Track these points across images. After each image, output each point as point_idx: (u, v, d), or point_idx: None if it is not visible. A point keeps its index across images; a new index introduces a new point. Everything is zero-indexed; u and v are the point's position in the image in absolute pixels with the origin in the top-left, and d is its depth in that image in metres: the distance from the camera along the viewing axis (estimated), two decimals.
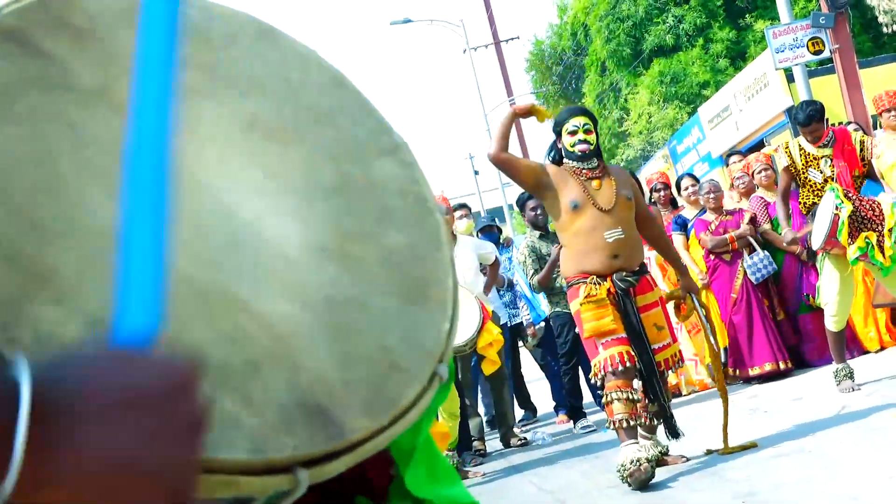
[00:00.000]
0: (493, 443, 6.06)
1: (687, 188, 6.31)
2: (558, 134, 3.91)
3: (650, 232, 4.05)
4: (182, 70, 0.81)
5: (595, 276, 3.71)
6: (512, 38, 22.10)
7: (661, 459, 3.86)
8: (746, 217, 5.91)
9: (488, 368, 5.01)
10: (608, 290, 3.69)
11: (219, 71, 0.87)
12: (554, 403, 6.37)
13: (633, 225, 3.82)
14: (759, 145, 11.67)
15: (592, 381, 4.07)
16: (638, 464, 3.52)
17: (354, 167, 0.90)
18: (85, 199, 0.71)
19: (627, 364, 3.64)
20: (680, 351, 3.94)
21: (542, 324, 6.17)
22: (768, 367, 5.70)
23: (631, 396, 3.62)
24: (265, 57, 0.91)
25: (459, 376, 5.01)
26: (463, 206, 6.26)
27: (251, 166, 0.83)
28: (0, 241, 0.65)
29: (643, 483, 3.53)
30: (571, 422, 5.77)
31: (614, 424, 3.67)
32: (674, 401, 5.84)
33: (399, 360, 0.80)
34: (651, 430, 3.87)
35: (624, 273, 3.73)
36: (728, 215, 5.95)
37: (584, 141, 3.81)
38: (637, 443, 3.63)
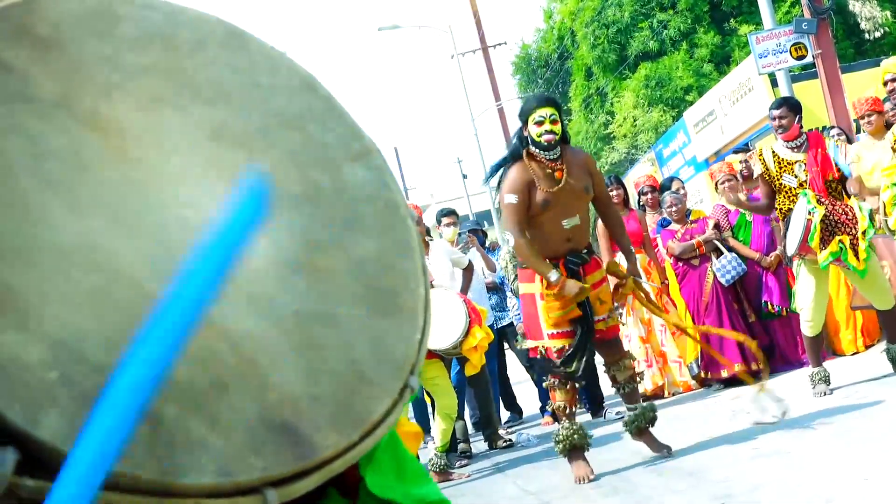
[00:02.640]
0: (479, 444, 6.10)
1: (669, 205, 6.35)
2: (524, 122, 4.02)
3: (607, 214, 4.25)
4: (147, 78, 0.81)
5: (549, 261, 3.94)
6: (499, 44, 22.17)
7: (642, 430, 4.13)
8: (711, 223, 6.07)
9: (470, 371, 5.05)
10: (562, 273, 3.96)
11: (185, 78, 0.84)
12: (540, 405, 6.42)
13: (587, 210, 4.11)
14: (743, 149, 11.78)
15: (526, 354, 4.59)
16: (568, 443, 4.05)
17: (323, 174, 0.88)
18: (46, 214, 0.68)
19: (558, 360, 4.03)
20: (615, 324, 4.16)
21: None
22: (738, 367, 5.78)
23: (567, 386, 4.07)
24: (233, 62, 0.88)
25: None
26: (451, 212, 6.28)
27: (217, 176, 0.80)
28: None
29: (563, 453, 4.10)
30: (556, 424, 5.82)
31: (557, 409, 4.16)
32: (658, 401, 5.95)
33: (368, 374, 0.78)
34: (633, 399, 4.15)
35: (573, 256, 3.99)
36: (693, 223, 6.10)
37: (551, 132, 3.93)
38: (571, 423, 4.12)
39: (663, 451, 4.07)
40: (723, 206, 6.11)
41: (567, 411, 4.11)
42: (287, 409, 0.72)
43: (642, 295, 4.29)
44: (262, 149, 0.85)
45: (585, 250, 4.06)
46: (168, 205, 0.76)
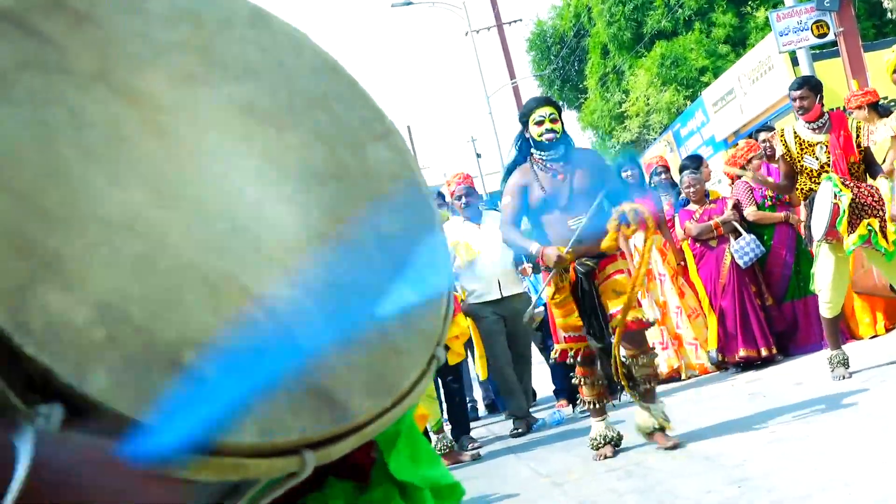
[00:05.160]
0: (493, 427, 6.11)
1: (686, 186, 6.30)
2: (525, 124, 4.07)
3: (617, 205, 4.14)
4: (178, 54, 0.83)
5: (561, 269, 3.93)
6: (514, 21, 21.97)
7: (653, 434, 3.97)
8: (730, 203, 5.98)
9: (452, 360, 5.04)
10: (571, 277, 3.95)
11: (214, 56, 0.87)
12: (554, 388, 6.41)
13: (597, 210, 4.01)
14: (766, 128, 11.64)
15: (552, 362, 4.60)
16: (602, 441, 4.07)
17: (349, 152, 0.91)
18: (88, 185, 0.70)
19: (580, 357, 4.05)
20: (642, 318, 4.00)
21: (542, 308, 6.20)
22: (743, 352, 5.75)
23: (596, 382, 4.07)
24: (259, 41, 0.91)
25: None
26: (438, 194, 6.32)
27: (249, 151, 0.83)
28: (6, 227, 0.64)
29: (604, 456, 4.05)
30: (571, 406, 5.81)
31: (586, 404, 4.16)
32: (673, 385, 5.93)
33: (399, 344, 0.81)
34: (648, 399, 3.99)
35: (584, 258, 3.94)
36: (712, 203, 6.02)
37: (551, 130, 3.97)
38: (604, 420, 4.12)
39: (672, 442, 3.92)
40: (747, 182, 6.00)
41: (596, 407, 4.09)
42: (323, 374, 0.74)
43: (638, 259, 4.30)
44: (291, 126, 0.87)
45: (598, 254, 3.94)
46: (204, 178, 0.78)
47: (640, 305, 4.11)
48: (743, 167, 6.17)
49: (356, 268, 0.84)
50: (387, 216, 0.89)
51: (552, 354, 4.27)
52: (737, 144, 7.49)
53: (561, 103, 4.45)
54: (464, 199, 5.50)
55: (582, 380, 4.10)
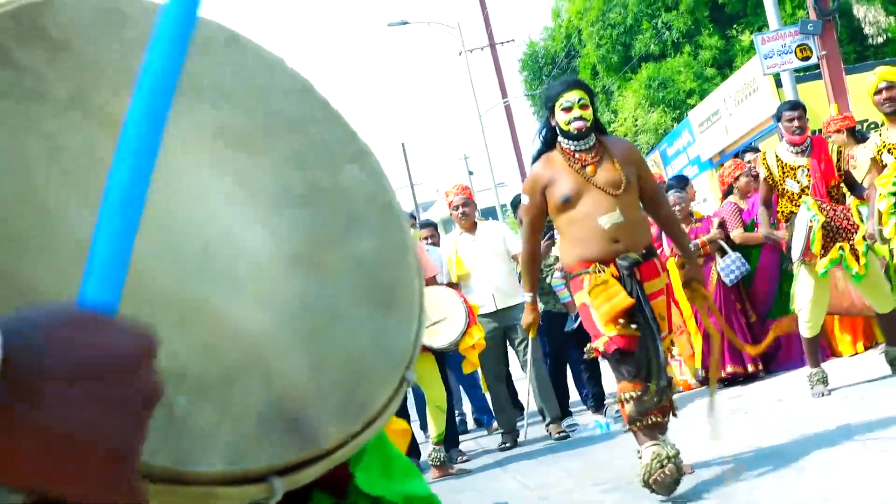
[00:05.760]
0: (482, 440, 6.18)
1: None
2: (551, 110, 3.55)
3: (658, 210, 3.71)
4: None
5: (597, 264, 3.41)
6: (507, 41, 22.25)
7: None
8: (715, 222, 6.10)
9: (468, 368, 5.13)
10: (612, 275, 3.40)
11: (189, 80, 0.86)
12: (581, 394, 6.43)
13: (633, 207, 3.49)
14: (748, 149, 11.81)
15: (586, 357, 3.74)
16: (661, 465, 3.24)
17: (323, 174, 0.91)
18: (63, 211, 0.70)
19: (627, 349, 3.34)
20: (672, 342, 3.70)
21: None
22: (731, 368, 5.86)
23: (644, 396, 3.33)
24: (234, 65, 0.92)
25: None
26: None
27: (222, 175, 0.83)
28: None
29: (670, 488, 3.25)
30: (603, 413, 5.87)
31: (631, 426, 3.42)
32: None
33: (369, 366, 0.81)
34: (660, 429, 3.44)
35: (630, 252, 3.42)
36: (697, 222, 6.13)
37: (581, 118, 3.46)
38: (658, 443, 3.32)
39: (688, 470, 3.50)
40: (735, 203, 6.13)
41: (643, 428, 3.34)
42: (292, 399, 0.74)
43: (707, 303, 3.86)
44: (264, 149, 0.88)
45: (645, 251, 3.47)
46: (177, 201, 0.78)
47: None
48: (731, 185, 6.32)
49: (328, 290, 0.83)
50: (360, 238, 0.89)
51: (585, 353, 3.63)
52: (722, 164, 7.63)
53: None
54: (461, 210, 5.58)
55: (624, 396, 3.36)
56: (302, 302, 0.81)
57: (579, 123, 3.47)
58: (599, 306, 3.38)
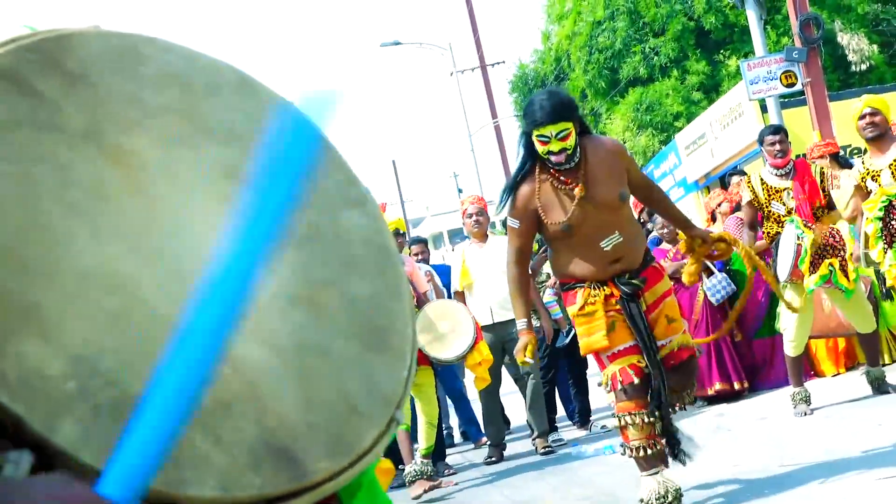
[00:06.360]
0: (468, 454, 6.19)
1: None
2: (529, 133, 3.27)
3: (649, 196, 3.59)
4: (165, 117, 0.87)
5: (592, 283, 3.28)
6: (498, 63, 22.43)
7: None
8: None
9: (480, 385, 5.17)
10: (609, 294, 3.27)
11: (200, 120, 0.90)
12: (527, 416, 6.50)
13: (628, 221, 3.35)
14: (734, 172, 11.99)
15: (603, 388, 3.53)
16: (664, 500, 3.13)
17: (323, 217, 0.93)
18: (70, 240, 0.73)
19: (636, 379, 3.21)
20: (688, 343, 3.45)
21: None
22: (719, 386, 5.92)
23: (647, 419, 3.20)
24: (244, 107, 0.94)
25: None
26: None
27: (227, 212, 0.84)
28: None
29: None
30: (587, 428, 5.93)
31: (631, 452, 3.24)
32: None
33: (360, 405, 0.84)
34: (661, 458, 3.28)
35: (628, 276, 3.27)
36: None
37: (561, 150, 3.19)
38: (660, 472, 3.20)
39: None
40: (741, 219, 6.22)
41: (645, 454, 3.19)
42: (284, 432, 0.76)
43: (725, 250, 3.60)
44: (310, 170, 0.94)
45: (640, 267, 3.32)
46: (182, 237, 0.81)
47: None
48: (714, 213, 6.43)
49: (322, 330, 0.86)
50: (355, 280, 0.91)
51: (600, 383, 3.47)
52: (707, 187, 7.75)
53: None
54: (474, 218, 5.63)
55: (626, 420, 3.20)
56: (297, 340, 0.83)
57: (558, 157, 3.21)
58: (580, 336, 3.34)
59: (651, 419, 3.21)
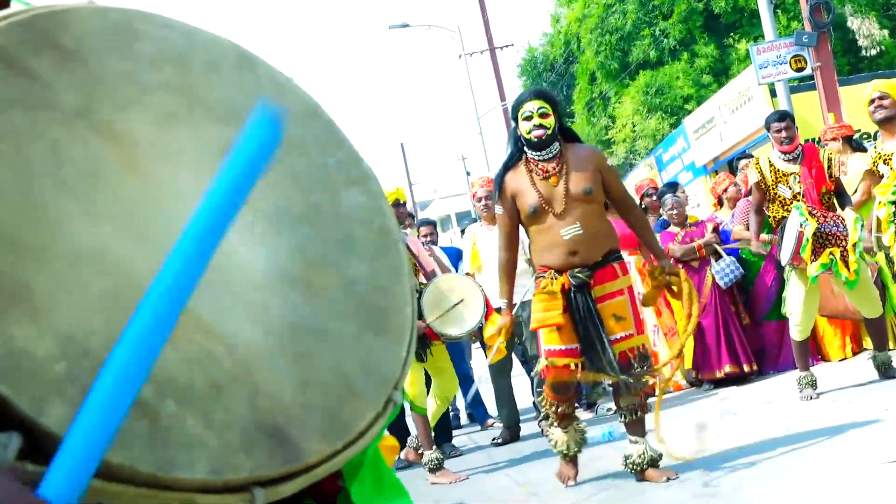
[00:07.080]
0: (475, 436, 6.23)
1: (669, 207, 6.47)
2: (515, 119, 3.68)
3: (627, 214, 3.81)
4: (162, 94, 0.85)
5: (553, 271, 3.62)
6: (506, 46, 22.30)
7: (646, 472, 3.62)
8: (710, 227, 6.19)
9: (497, 357, 5.15)
10: (563, 284, 3.58)
11: (198, 97, 0.88)
12: (534, 399, 6.52)
13: (594, 216, 3.62)
14: (742, 156, 11.93)
15: (523, 348, 4.06)
16: (559, 446, 3.81)
17: (322, 196, 0.92)
18: (63, 220, 0.71)
19: (563, 380, 3.66)
20: (643, 345, 3.72)
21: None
22: (728, 368, 5.94)
23: (567, 410, 3.76)
24: (243, 85, 0.92)
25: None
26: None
27: None
28: None
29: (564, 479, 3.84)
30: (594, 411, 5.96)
31: (550, 411, 3.79)
32: (649, 399, 5.99)
33: (356, 386, 0.83)
34: (637, 430, 3.65)
35: (578, 269, 3.58)
36: (693, 226, 6.21)
37: (540, 126, 3.55)
38: (567, 430, 3.81)
39: (666, 476, 3.60)
40: (750, 201, 6.19)
41: (559, 410, 3.74)
42: (278, 414, 0.75)
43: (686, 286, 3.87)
44: (268, 168, 0.93)
45: (598, 261, 3.59)
46: (175, 216, 0.78)
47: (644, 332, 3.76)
48: (720, 197, 6.41)
49: (319, 310, 0.85)
50: (354, 260, 0.90)
51: (534, 371, 3.93)
52: (716, 171, 7.73)
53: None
54: (483, 202, 5.63)
55: (552, 407, 3.72)
56: (292, 321, 0.82)
57: (538, 132, 3.56)
58: (535, 311, 3.65)
59: (571, 410, 3.77)
